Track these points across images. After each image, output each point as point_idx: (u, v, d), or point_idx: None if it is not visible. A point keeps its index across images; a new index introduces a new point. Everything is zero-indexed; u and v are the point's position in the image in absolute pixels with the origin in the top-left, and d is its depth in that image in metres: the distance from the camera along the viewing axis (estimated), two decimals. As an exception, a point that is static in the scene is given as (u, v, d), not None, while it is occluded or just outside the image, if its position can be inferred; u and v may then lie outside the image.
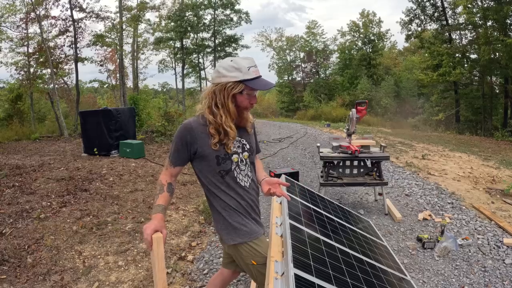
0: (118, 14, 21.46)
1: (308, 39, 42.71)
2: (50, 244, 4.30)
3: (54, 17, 19.79)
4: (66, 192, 6.36)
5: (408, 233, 4.68)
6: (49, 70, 19.00)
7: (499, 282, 3.46)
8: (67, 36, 20.34)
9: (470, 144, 13.85)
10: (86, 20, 20.85)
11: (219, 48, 34.88)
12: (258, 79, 1.98)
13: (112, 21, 21.71)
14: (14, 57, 19.95)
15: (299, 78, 44.45)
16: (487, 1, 20.53)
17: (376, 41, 38.97)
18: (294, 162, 9.40)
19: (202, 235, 4.80)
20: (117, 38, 22.12)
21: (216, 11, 33.99)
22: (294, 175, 6.88)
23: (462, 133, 20.68)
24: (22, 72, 19.98)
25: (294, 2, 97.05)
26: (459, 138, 17.20)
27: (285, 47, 44.80)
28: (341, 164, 5.54)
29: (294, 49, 44.31)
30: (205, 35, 34.95)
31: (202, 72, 36.40)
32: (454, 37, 24.64)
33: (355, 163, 5.53)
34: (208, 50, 35.22)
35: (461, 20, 23.19)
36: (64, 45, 20.52)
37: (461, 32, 24.00)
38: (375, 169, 5.47)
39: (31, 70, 19.96)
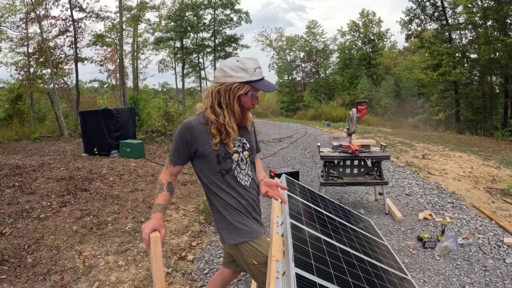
0: (118, 14, 21.45)
1: (308, 39, 42.72)
2: (50, 244, 4.30)
3: (54, 17, 19.79)
4: (66, 192, 6.36)
5: (409, 232, 4.68)
6: (49, 70, 18.99)
7: (500, 281, 3.45)
8: (67, 36, 20.35)
9: (470, 144, 13.84)
10: (86, 20, 20.86)
11: (219, 48, 34.89)
12: (263, 81, 1.99)
13: (112, 21, 21.72)
14: (14, 57, 19.97)
15: (299, 78, 44.51)
16: (487, 1, 20.53)
17: (376, 41, 38.99)
18: (295, 162, 9.39)
19: (202, 235, 4.79)
20: (117, 38, 22.11)
21: (216, 11, 34.00)
22: (295, 174, 6.87)
23: (462, 133, 20.67)
24: (22, 72, 19.98)
25: (294, 2, 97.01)
26: (459, 137, 17.19)
27: (285, 47, 44.81)
28: (341, 163, 5.53)
29: (294, 49, 44.32)
30: (205, 35, 35.02)
31: (202, 72, 36.44)
32: (454, 36, 24.65)
33: (356, 162, 5.53)
34: (208, 50, 35.23)
35: (461, 19, 23.19)
36: (64, 45, 20.54)
37: (461, 32, 24.00)
38: (376, 168, 5.47)
39: (31, 70, 19.95)
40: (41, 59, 19.32)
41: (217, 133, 1.99)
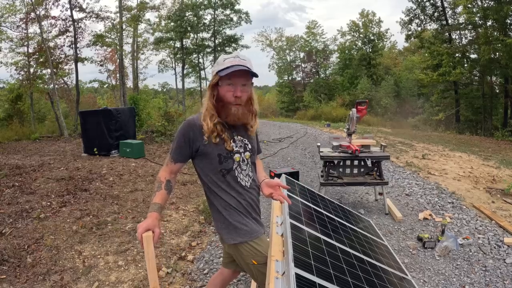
0: (118, 14, 21.46)
1: (308, 39, 42.72)
2: (50, 244, 4.30)
3: (54, 17, 19.79)
4: (66, 192, 6.36)
5: (409, 232, 4.68)
6: (49, 70, 19.00)
7: (500, 281, 3.45)
8: (67, 36, 20.36)
9: (470, 144, 13.84)
10: (86, 20, 20.86)
11: (219, 48, 34.87)
12: (231, 67, 1.92)
13: (112, 21, 21.73)
14: (14, 57, 19.97)
15: (299, 78, 44.49)
16: (487, 1, 20.53)
17: (376, 41, 39.00)
18: (294, 162, 9.39)
19: (202, 235, 4.79)
20: (117, 38, 22.12)
21: (216, 11, 34.00)
22: (294, 174, 6.87)
23: (462, 133, 20.67)
24: (22, 72, 19.99)
25: (294, 2, 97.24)
26: (459, 138, 17.18)
27: (285, 47, 44.81)
28: (341, 163, 5.53)
29: (294, 49, 44.32)
30: (205, 35, 35.02)
31: (202, 72, 36.45)
32: (454, 37, 24.65)
33: (356, 162, 5.53)
34: (208, 50, 35.23)
35: (461, 20, 23.19)
36: (64, 45, 20.55)
37: (461, 32, 23.99)
38: (376, 168, 5.47)
39: (31, 70, 19.96)
40: (41, 59, 19.33)
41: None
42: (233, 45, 35.30)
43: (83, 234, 4.64)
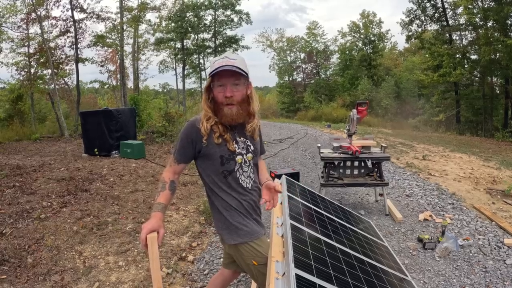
0: (118, 15, 21.46)
1: (308, 39, 42.70)
2: (51, 244, 4.30)
3: (54, 18, 19.82)
4: (67, 192, 6.36)
5: (409, 233, 4.68)
6: (49, 71, 19.02)
7: (500, 282, 3.45)
8: (68, 36, 20.38)
9: (470, 145, 13.84)
10: (86, 20, 20.93)
11: (219, 49, 34.82)
12: (219, 67, 1.93)
13: (112, 21, 21.76)
14: (15, 57, 20.01)
15: (299, 79, 44.47)
16: (487, 2, 20.52)
17: (377, 41, 38.99)
18: (295, 163, 9.39)
19: (202, 236, 4.79)
20: (117, 39, 22.13)
21: (216, 12, 33.97)
22: (295, 175, 6.88)
23: (462, 134, 20.66)
24: (23, 73, 20.01)
25: (295, 3, 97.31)
26: (460, 138, 17.18)
27: (285, 47, 44.78)
28: (341, 164, 5.53)
29: (294, 49, 44.29)
30: (206, 35, 34.97)
31: (203, 73, 36.36)
32: (454, 37, 24.63)
33: (356, 163, 5.53)
34: (209, 50, 35.19)
35: (462, 20, 23.17)
36: (64, 46, 20.57)
37: (462, 33, 23.98)
38: (376, 169, 5.47)
39: (32, 70, 19.98)
40: (41, 60, 19.35)
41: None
42: (233, 45, 35.26)
43: (84, 235, 4.65)
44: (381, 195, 5.77)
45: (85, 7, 20.44)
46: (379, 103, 31.96)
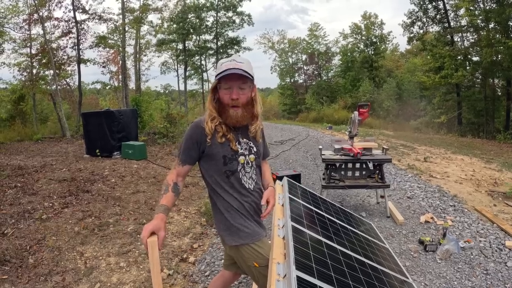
0: (120, 16, 21.52)
1: (310, 41, 42.73)
2: (52, 245, 4.31)
3: (57, 19, 19.90)
4: (68, 193, 6.37)
5: (410, 235, 4.68)
6: (51, 71, 19.07)
7: (501, 285, 3.45)
8: (70, 37, 20.45)
9: (472, 147, 13.82)
10: (89, 21, 20.98)
11: (221, 50, 34.87)
12: (227, 70, 1.95)
13: (114, 22, 21.81)
14: (17, 58, 20.06)
15: (301, 81, 44.51)
16: (489, 4, 20.52)
17: (378, 43, 39.01)
18: (296, 165, 9.39)
19: (204, 237, 4.79)
20: (119, 40, 22.19)
21: (218, 13, 34.00)
22: (296, 177, 6.87)
23: (464, 136, 20.63)
24: (25, 73, 20.05)
25: (296, 4, 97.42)
26: (461, 140, 17.17)
27: (287, 49, 44.82)
28: (343, 166, 5.53)
29: (296, 51, 44.35)
30: (208, 37, 34.98)
31: (205, 74, 36.42)
32: (456, 39, 24.62)
33: (357, 165, 5.53)
34: (211, 52, 35.22)
35: (463, 22, 23.16)
36: (66, 47, 20.65)
37: (463, 35, 23.98)
38: (377, 171, 5.47)
39: (34, 71, 20.03)
40: (43, 60, 19.40)
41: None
42: (235, 47, 35.28)
43: (85, 235, 4.65)
44: (382, 197, 5.76)
45: (87, 8, 20.55)
46: (381, 104, 31.94)
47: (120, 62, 23.39)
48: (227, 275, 2.52)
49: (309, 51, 42.37)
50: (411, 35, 27.44)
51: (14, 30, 19.27)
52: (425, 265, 3.87)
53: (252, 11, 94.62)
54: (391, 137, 15.62)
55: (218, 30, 34.39)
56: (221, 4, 33.21)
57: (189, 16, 32.25)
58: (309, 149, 12.00)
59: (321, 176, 5.86)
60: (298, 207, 2.49)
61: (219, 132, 2.05)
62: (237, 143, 2.10)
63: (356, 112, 5.44)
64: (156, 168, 8.82)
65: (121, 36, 21.82)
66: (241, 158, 2.10)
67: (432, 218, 5.20)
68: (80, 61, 20.66)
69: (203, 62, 36.15)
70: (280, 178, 2.85)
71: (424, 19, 26.23)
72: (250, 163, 2.15)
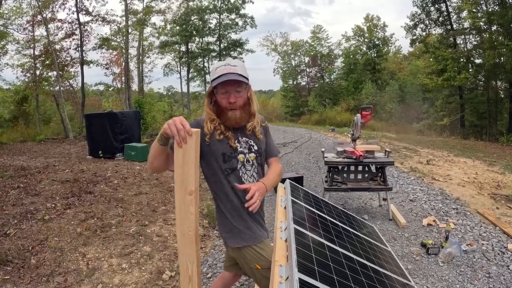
0: (124, 18, 21.59)
1: (313, 43, 42.77)
2: (54, 246, 4.32)
3: (60, 20, 20.00)
4: (71, 194, 6.38)
5: (413, 238, 4.67)
6: (55, 73, 19.14)
7: (504, 288, 3.44)
8: (73, 39, 20.55)
9: (475, 149, 13.78)
10: (92, 23, 21.07)
11: (224, 52, 34.91)
12: (222, 76, 1.95)
13: (118, 24, 21.89)
14: (20, 59, 20.16)
15: (303, 83, 44.52)
16: (492, 6, 20.50)
17: (381, 45, 38.99)
18: (299, 167, 9.39)
19: (206, 239, 4.80)
20: (122, 42, 22.26)
21: (221, 16, 34.07)
22: (299, 180, 6.87)
23: (467, 138, 20.57)
24: (28, 74, 20.16)
25: (299, 7, 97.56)
26: (464, 143, 17.11)
27: (290, 51, 44.81)
28: (345, 169, 5.53)
29: (299, 53, 44.34)
30: (210, 39, 35.07)
31: (207, 76, 36.43)
32: (458, 41, 24.58)
33: (360, 168, 5.53)
34: (213, 54, 35.27)
35: (466, 24, 23.15)
36: (70, 48, 20.76)
37: (466, 37, 23.95)
38: (380, 174, 5.46)
39: (37, 72, 20.11)
40: (47, 62, 19.51)
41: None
42: (238, 49, 35.34)
43: (87, 237, 4.66)
44: (384, 199, 5.76)
45: (90, 10, 20.63)
46: (383, 107, 31.91)
47: (123, 63, 23.47)
48: (227, 276, 2.53)
49: (312, 54, 42.39)
50: (414, 37, 27.43)
51: (17, 32, 19.41)
52: (427, 268, 3.86)
53: (255, 13, 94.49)
54: (393, 140, 15.59)
55: (221, 32, 34.47)
56: (224, 6, 33.27)
57: (192, 18, 32.35)
58: (311, 151, 11.99)
59: (324, 178, 5.86)
60: (300, 209, 2.50)
61: (217, 130, 2.07)
62: (236, 141, 2.11)
63: (358, 115, 5.44)
64: (158, 169, 8.82)
65: (124, 38, 21.89)
66: (241, 156, 2.11)
67: (434, 221, 5.19)
68: (83, 62, 20.75)
69: (206, 64, 36.20)
70: (283, 181, 2.85)
71: (427, 21, 26.21)
72: (251, 161, 2.15)
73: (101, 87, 28.81)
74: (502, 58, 20.12)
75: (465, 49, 23.81)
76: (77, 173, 8.06)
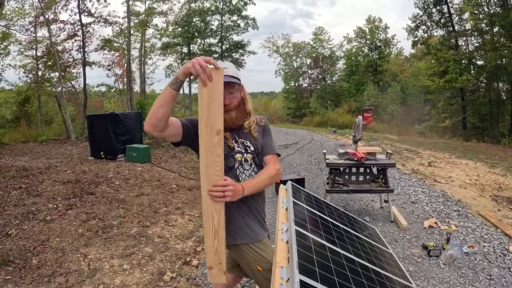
0: (126, 19, 21.64)
1: (314, 45, 42.80)
2: (56, 246, 4.33)
3: (62, 21, 20.05)
4: (72, 194, 6.39)
5: (414, 240, 4.66)
6: (57, 74, 19.19)
7: (506, 291, 3.44)
8: (76, 40, 20.58)
9: (476, 151, 13.76)
10: (94, 24, 21.12)
11: (226, 54, 34.92)
12: None
13: (120, 26, 21.93)
14: (23, 60, 20.21)
15: (305, 84, 44.58)
16: (493, 7, 20.50)
17: (383, 47, 39.00)
18: (300, 169, 9.39)
19: (207, 240, 4.79)
20: (124, 43, 22.31)
21: (223, 17, 34.10)
22: (300, 181, 6.87)
23: (468, 140, 20.55)
24: (30, 75, 20.20)
25: (301, 8, 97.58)
26: (466, 145, 17.10)
27: (291, 53, 44.85)
28: (347, 171, 5.53)
29: (300, 55, 44.38)
30: (212, 40, 35.08)
31: (209, 78, 36.42)
32: (460, 43, 24.61)
33: (361, 170, 5.52)
34: (215, 55, 35.24)
35: (468, 26, 23.16)
36: (72, 49, 20.80)
37: (468, 38, 23.95)
38: (381, 176, 5.46)
39: (39, 73, 20.16)
40: (49, 63, 19.55)
41: None
42: (240, 51, 35.36)
43: (89, 237, 4.67)
44: (386, 201, 5.75)
45: (92, 11, 20.70)
46: (385, 109, 31.88)
47: (125, 65, 23.53)
48: (229, 278, 2.53)
49: (314, 55, 42.41)
50: (416, 39, 27.46)
51: (20, 32, 19.43)
52: (429, 270, 3.86)
53: (257, 15, 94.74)
54: (395, 142, 15.58)
55: (223, 34, 34.49)
56: (226, 8, 33.30)
57: (194, 20, 32.36)
58: (313, 153, 11.99)
59: (325, 180, 5.86)
60: (302, 211, 2.50)
61: None
62: (233, 141, 2.14)
63: (360, 117, 5.44)
64: (160, 171, 8.84)
65: (126, 39, 21.95)
66: (238, 156, 2.13)
67: (436, 223, 5.18)
68: (85, 63, 20.78)
69: (207, 66, 36.13)
70: (284, 182, 2.85)
71: (429, 23, 26.23)
72: (249, 161, 2.16)
73: (103, 88, 28.85)
74: (504, 60, 20.12)
75: (467, 50, 23.83)
76: (78, 174, 8.07)
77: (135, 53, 25.22)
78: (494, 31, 20.72)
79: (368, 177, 5.54)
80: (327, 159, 5.50)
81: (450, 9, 24.38)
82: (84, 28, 20.33)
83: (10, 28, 18.85)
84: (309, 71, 43.80)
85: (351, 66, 39.85)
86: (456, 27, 24.52)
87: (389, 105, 32.09)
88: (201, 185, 1.82)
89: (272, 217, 5.33)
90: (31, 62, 20.24)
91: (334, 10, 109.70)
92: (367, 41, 39.45)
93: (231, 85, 2.03)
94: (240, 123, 2.16)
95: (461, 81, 21.66)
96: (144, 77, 27.14)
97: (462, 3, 22.51)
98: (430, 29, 26.38)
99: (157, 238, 4.75)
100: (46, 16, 18.33)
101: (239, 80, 2.07)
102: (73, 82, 23.08)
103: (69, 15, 22.25)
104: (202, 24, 32.77)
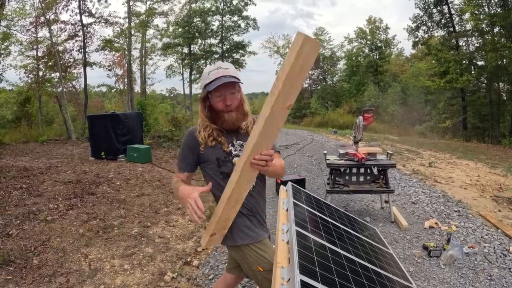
0: (126, 20, 21.64)
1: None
2: (56, 246, 4.33)
3: (63, 22, 20.04)
4: (73, 195, 6.40)
5: (414, 241, 4.67)
6: (57, 74, 19.18)
7: (506, 291, 3.44)
8: (76, 40, 20.58)
9: (477, 152, 13.76)
10: (95, 25, 21.10)
11: (226, 54, 34.91)
12: (217, 80, 1.98)
13: (120, 26, 21.92)
14: (23, 60, 20.18)
15: (306, 85, 44.44)
16: (494, 8, 20.49)
17: (383, 47, 38.97)
18: (301, 169, 9.39)
19: (207, 240, 4.80)
20: (125, 43, 22.30)
21: (223, 18, 34.10)
22: (301, 182, 6.88)
23: (469, 141, 20.55)
24: (31, 75, 20.18)
25: (302, 9, 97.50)
26: (466, 145, 17.10)
27: (292, 53, 44.72)
28: (347, 171, 5.53)
29: (301, 55, 44.24)
30: (213, 41, 35.06)
31: (209, 78, 36.40)
32: (461, 43, 24.59)
33: (362, 170, 5.52)
34: (216, 56, 35.24)
35: (468, 26, 23.15)
36: (73, 49, 20.78)
37: (468, 39, 23.93)
38: (382, 176, 5.46)
39: (40, 73, 20.15)
40: (50, 63, 19.54)
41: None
42: (240, 51, 35.33)
43: (90, 237, 4.67)
44: (386, 202, 5.75)
45: (93, 11, 20.68)
46: (386, 109, 31.85)
47: (126, 65, 23.53)
48: (230, 278, 2.53)
49: (314, 56, 42.33)
50: (416, 39, 27.46)
51: (21, 33, 19.40)
52: (429, 271, 3.86)
53: (258, 15, 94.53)
54: (395, 142, 15.58)
55: (223, 34, 34.47)
56: (226, 8, 33.30)
57: (195, 20, 32.35)
58: (313, 153, 11.99)
59: (326, 181, 5.86)
60: (302, 212, 2.50)
61: (210, 137, 2.09)
62: (230, 145, 2.13)
63: (360, 117, 5.45)
64: (161, 171, 8.85)
65: (127, 39, 21.95)
66: (236, 160, 2.11)
67: (436, 223, 5.18)
68: (86, 64, 20.78)
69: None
70: (285, 183, 2.86)
71: (429, 24, 26.24)
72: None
73: (104, 89, 28.84)
74: (504, 60, 20.10)
75: (467, 51, 23.81)
76: (79, 174, 8.08)
77: (135, 53, 25.22)
78: (495, 31, 20.72)
79: (368, 177, 5.54)
80: (328, 159, 5.51)
81: (451, 9, 24.39)
82: (84, 28, 20.34)
83: (11, 29, 18.84)
84: (310, 72, 43.74)
85: (352, 67, 39.81)
86: (456, 28, 24.52)
87: (389, 105, 32.06)
88: (242, 154, 1.87)
89: (273, 217, 5.33)
90: (32, 62, 20.22)
91: (335, 10, 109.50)
92: (368, 42, 39.43)
93: (233, 85, 2.04)
94: (240, 123, 2.15)
95: (462, 81, 21.65)
96: (145, 77, 27.12)
97: (462, 3, 22.53)
98: (431, 29, 26.41)
99: (157, 238, 4.76)
100: (47, 17, 18.33)
101: (239, 80, 2.07)
102: (73, 83, 23.13)
103: (70, 15, 22.29)
104: (203, 24, 32.77)
